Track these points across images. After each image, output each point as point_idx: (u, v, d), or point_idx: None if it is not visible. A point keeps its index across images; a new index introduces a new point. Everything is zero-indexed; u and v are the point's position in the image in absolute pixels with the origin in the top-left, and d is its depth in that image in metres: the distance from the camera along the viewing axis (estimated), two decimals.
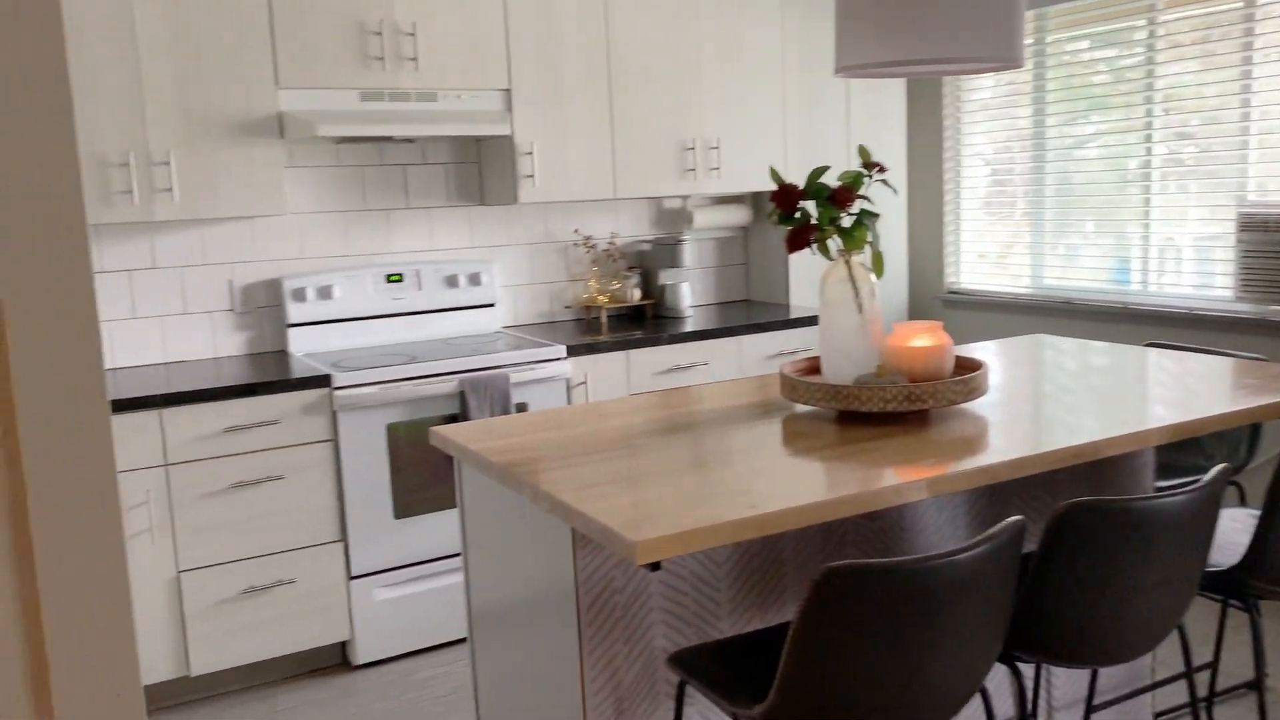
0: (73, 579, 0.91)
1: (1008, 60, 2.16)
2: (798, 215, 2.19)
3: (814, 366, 2.51)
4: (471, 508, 2.33)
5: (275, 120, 3.34)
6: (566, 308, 4.28)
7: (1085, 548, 1.74)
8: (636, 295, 4.25)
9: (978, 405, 2.31)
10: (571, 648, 1.93)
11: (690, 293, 4.29)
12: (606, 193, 3.93)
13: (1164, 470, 2.94)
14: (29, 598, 0.92)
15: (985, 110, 4.53)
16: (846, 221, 2.32)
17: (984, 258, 4.64)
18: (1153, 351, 2.83)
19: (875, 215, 2.30)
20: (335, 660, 3.41)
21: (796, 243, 2.18)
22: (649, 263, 4.35)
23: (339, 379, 3.22)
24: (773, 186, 4.27)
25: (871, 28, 2.16)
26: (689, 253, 4.34)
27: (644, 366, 3.77)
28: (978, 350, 2.99)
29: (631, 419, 2.34)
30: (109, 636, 0.93)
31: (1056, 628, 1.80)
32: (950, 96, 4.65)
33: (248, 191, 3.32)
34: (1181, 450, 3.02)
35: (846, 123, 4.46)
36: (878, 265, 2.35)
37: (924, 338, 2.30)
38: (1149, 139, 3.89)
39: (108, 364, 3.47)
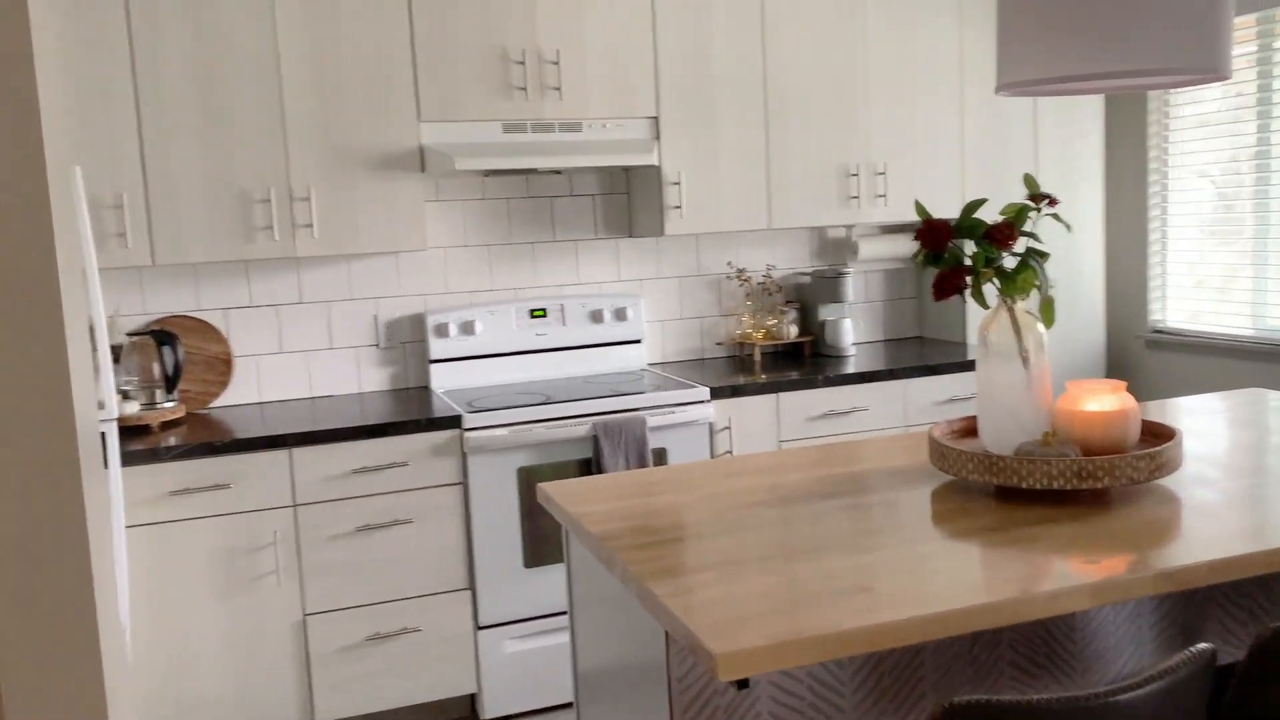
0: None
1: (1208, 71, 1.78)
2: (947, 256, 1.89)
3: (972, 427, 2.19)
4: (578, 567, 2.13)
5: (416, 154, 3.28)
6: (718, 344, 4.04)
7: None
8: (793, 332, 3.97)
9: (1174, 482, 1.93)
10: None
11: (853, 329, 3.98)
12: (760, 223, 3.68)
13: None
14: None
15: (1200, 126, 4.00)
16: (1010, 262, 1.99)
17: (1200, 286, 4.09)
18: None
19: (1044, 255, 1.97)
20: (463, 713, 3.28)
21: (945, 288, 1.87)
22: (808, 297, 4.06)
23: (469, 420, 3.10)
24: (949, 211, 3.91)
25: (1036, 39, 1.83)
26: (852, 286, 4.02)
27: (796, 411, 3.49)
28: (1180, 408, 2.56)
29: (757, 480, 2.08)
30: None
31: None
32: (1157, 110, 4.14)
33: (389, 227, 3.27)
34: None
35: (1034, 141, 4.03)
36: (1047, 313, 2.01)
37: (1102, 400, 1.94)
38: None
39: (255, 398, 3.50)
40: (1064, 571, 1.51)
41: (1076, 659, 1.90)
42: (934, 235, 1.87)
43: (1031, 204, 1.97)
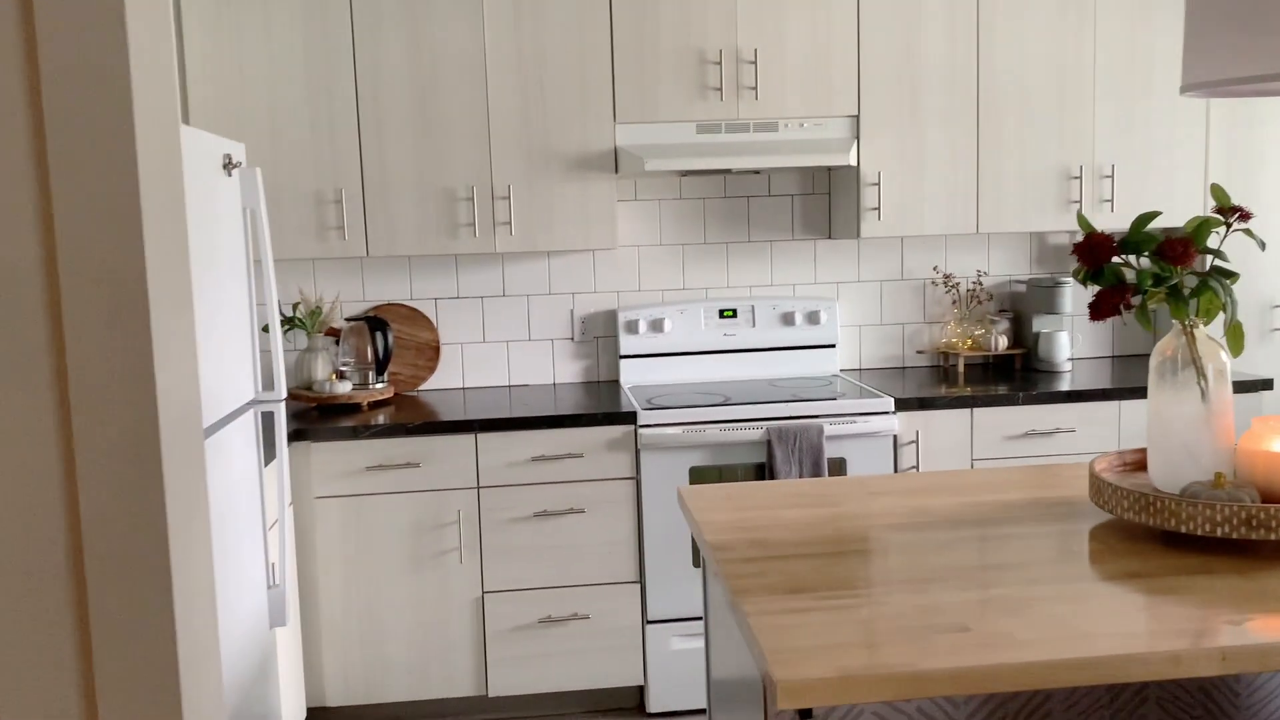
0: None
1: None
2: (1107, 273, 1.73)
3: (1145, 461, 2.00)
4: (714, 575, 2.13)
5: (611, 155, 3.35)
6: (919, 353, 3.88)
7: None
8: (1003, 343, 3.74)
9: None
10: None
11: (1070, 343, 3.71)
12: (967, 227, 3.50)
13: None
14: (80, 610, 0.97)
15: None
16: (1190, 282, 1.80)
17: None
18: None
19: (1231, 275, 1.76)
20: (632, 703, 3.35)
21: (1103, 309, 1.72)
22: (1023, 306, 3.82)
23: (644, 417, 3.15)
24: (1193, 213, 3.55)
25: (1227, 35, 1.64)
26: (1072, 296, 3.74)
27: (992, 428, 3.30)
28: None
29: (901, 502, 2.00)
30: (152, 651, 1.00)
31: None
32: None
33: (581, 225, 3.37)
34: None
35: None
36: (1235, 340, 1.80)
37: None
38: None
39: (459, 383, 3.71)
40: (1197, 629, 1.35)
41: (1239, 718, 1.70)
42: (1093, 250, 1.72)
43: (1219, 217, 1.76)
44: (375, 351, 3.42)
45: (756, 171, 3.71)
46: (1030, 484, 2.10)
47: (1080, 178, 3.52)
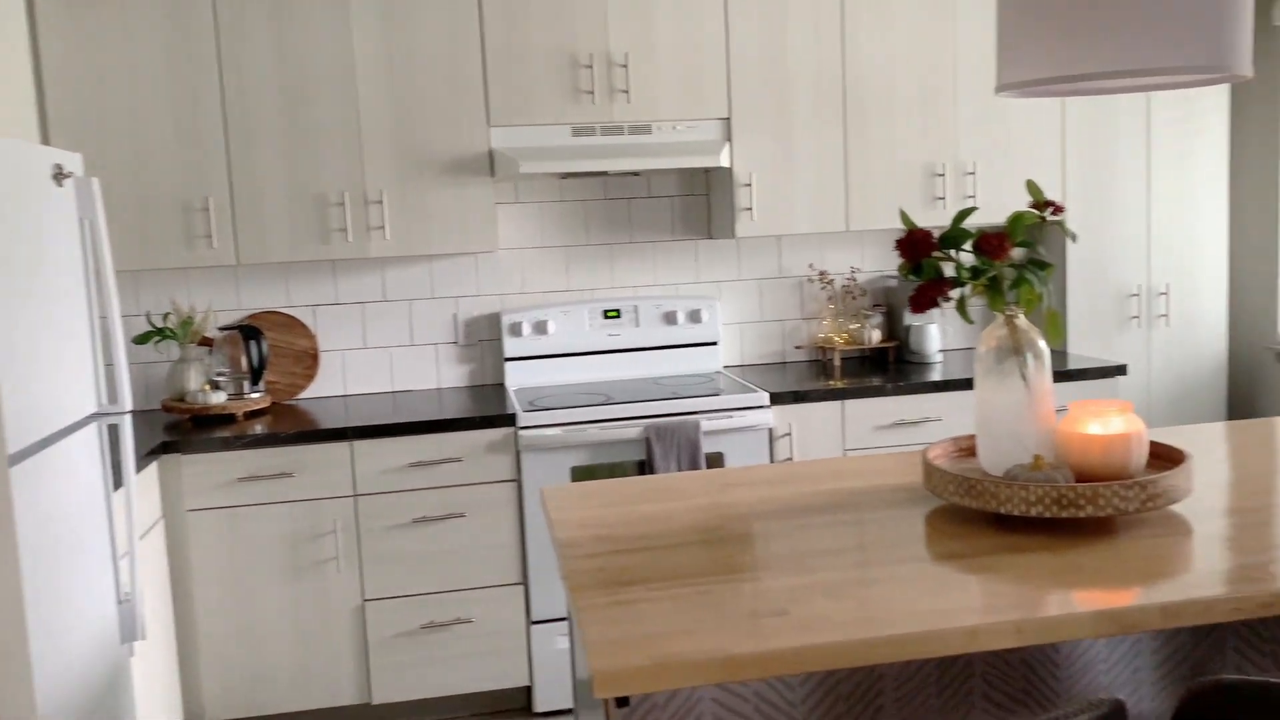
0: None
1: (1221, 70, 1.64)
2: (926, 267, 1.80)
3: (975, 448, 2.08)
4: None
5: (486, 158, 3.37)
6: (798, 348, 3.97)
7: None
8: (877, 337, 3.85)
9: (1194, 510, 1.78)
10: None
11: (940, 335, 3.83)
12: (837, 225, 3.59)
13: None
14: None
15: None
16: (1009, 275, 1.88)
17: None
18: None
19: (1046, 267, 1.85)
20: (519, 704, 3.36)
21: (922, 302, 1.79)
22: (895, 301, 3.93)
23: (524, 419, 3.17)
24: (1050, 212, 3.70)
25: (1036, 36, 1.73)
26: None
27: (863, 419, 3.39)
28: (1249, 430, 2.35)
29: (752, 493, 2.05)
30: None
31: None
32: None
33: (460, 229, 3.37)
34: None
35: (1146, 136, 3.77)
36: (1053, 329, 1.90)
37: (1106, 421, 1.81)
38: None
39: (340, 391, 3.68)
40: (1000, 606, 1.42)
41: (1059, 690, 1.79)
42: (913, 246, 1.79)
43: (1034, 212, 1.85)
44: (250, 360, 3.37)
45: (635, 173, 3.76)
46: (881, 471, 2.17)
47: (944, 175, 3.64)
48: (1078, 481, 1.81)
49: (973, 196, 3.66)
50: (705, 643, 1.35)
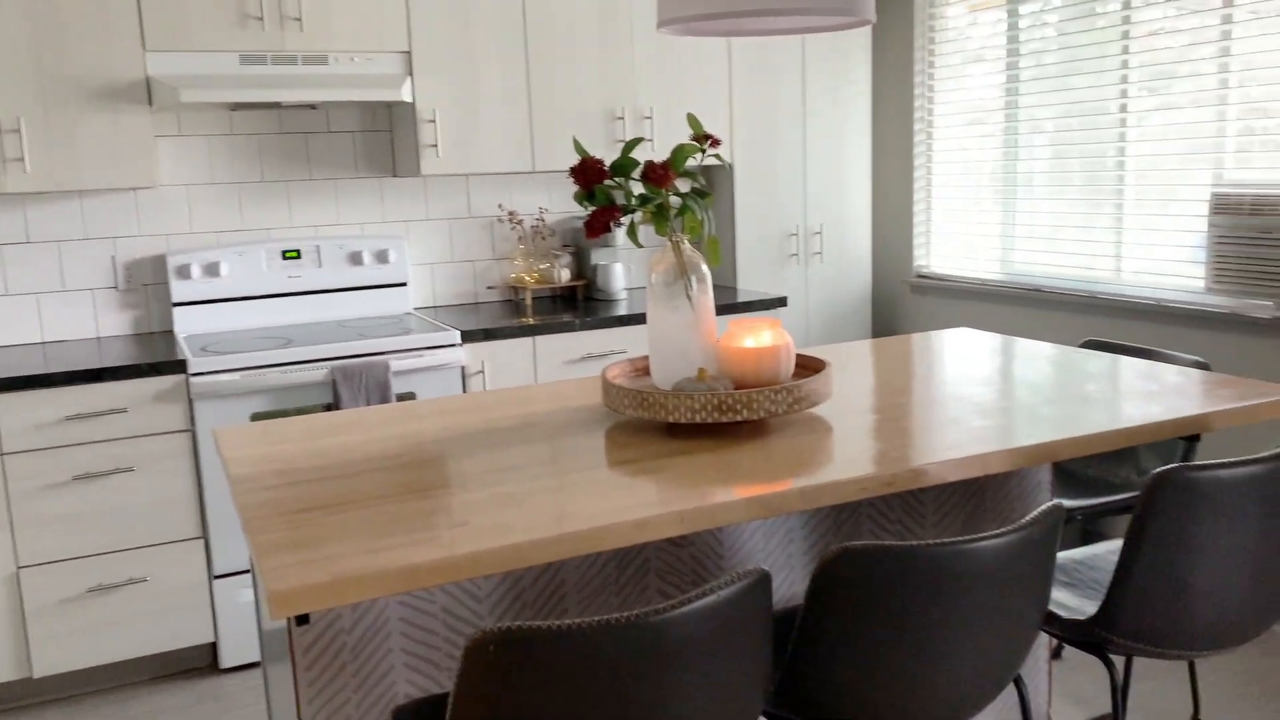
0: None
1: (847, 12, 1.82)
2: (598, 194, 1.89)
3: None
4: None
5: (142, 86, 3.10)
6: (490, 288, 4.01)
7: (861, 604, 1.43)
8: (566, 276, 3.96)
9: (835, 411, 2.00)
10: (289, 694, 1.67)
11: (624, 274, 3.99)
12: (524, 165, 3.64)
13: (1087, 487, 2.59)
14: None
15: (959, 80, 4.14)
16: (675, 202, 2.01)
17: (960, 235, 4.26)
18: (1079, 353, 2.47)
19: (706, 196, 1.99)
20: (204, 661, 3.21)
21: (595, 226, 1.88)
22: (582, 241, 4.05)
23: (195, 364, 2.99)
24: (722, 147, 3.94)
25: None
26: (623, 231, 4.03)
27: (554, 354, 3.49)
28: (880, 347, 2.65)
29: (438, 422, 2.06)
30: None
31: (825, 695, 1.49)
32: (922, 65, 4.26)
33: (113, 162, 3.10)
34: (1114, 462, 2.67)
35: (802, 85, 4.09)
36: (712, 253, 2.04)
37: (759, 336, 1.99)
38: (1124, 109, 3.48)
39: None
40: (666, 499, 1.54)
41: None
42: (585, 173, 1.87)
43: (695, 144, 1.98)
44: None
45: (313, 106, 3.61)
46: (564, 396, 2.26)
47: (624, 119, 3.78)
48: (736, 390, 1.98)
49: (650, 140, 3.83)
50: (384, 557, 1.37)
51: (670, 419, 1.86)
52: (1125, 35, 3.44)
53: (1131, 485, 2.59)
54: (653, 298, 2.03)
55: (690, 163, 4.09)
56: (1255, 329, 3.12)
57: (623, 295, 3.97)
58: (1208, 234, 3.18)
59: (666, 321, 2.02)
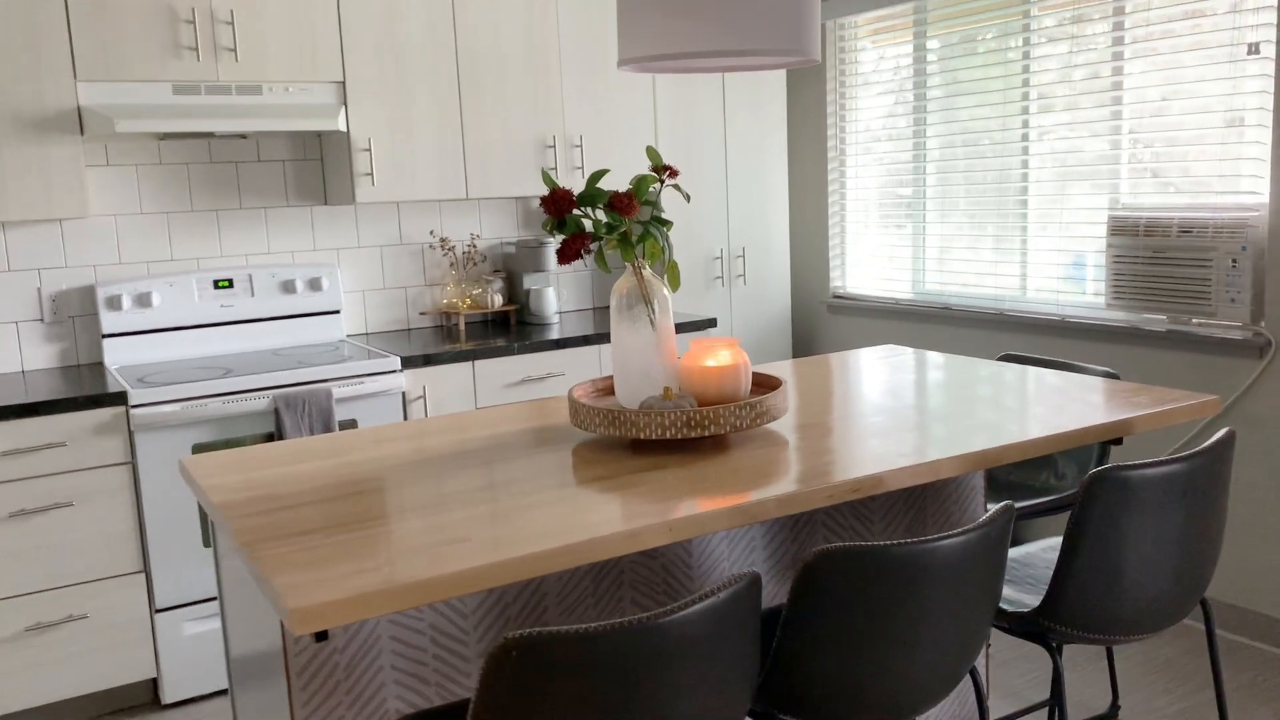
0: None
1: (796, 53, 1.96)
2: (569, 223, 1.98)
3: (613, 387, 2.31)
4: (224, 548, 2.10)
5: (73, 115, 3.07)
6: (423, 314, 4.04)
7: (840, 601, 1.54)
8: (499, 301, 4.02)
9: (790, 428, 2.12)
10: (284, 712, 1.70)
11: (556, 298, 4.07)
12: (458, 193, 3.70)
13: (1011, 491, 2.77)
14: None
15: (871, 109, 4.36)
16: (636, 230, 2.11)
17: (872, 257, 4.47)
18: (1003, 366, 2.66)
19: (666, 223, 2.10)
20: (145, 698, 3.15)
21: (567, 253, 1.97)
22: (514, 266, 4.12)
23: (135, 396, 2.96)
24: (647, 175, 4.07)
25: (650, 17, 1.95)
26: (554, 256, 4.11)
27: (493, 378, 3.55)
28: (817, 364, 2.80)
29: (406, 445, 2.11)
30: None
31: (808, 687, 1.60)
32: (835, 94, 4.47)
33: (42, 192, 3.05)
34: (1034, 469, 2.86)
35: (723, 116, 4.26)
36: (672, 277, 2.15)
37: (717, 356, 2.10)
38: (1025, 138, 3.73)
39: None
40: (650, 511, 1.63)
41: (693, 588, 2.06)
42: (556, 203, 1.96)
43: (654, 175, 2.09)
44: None
45: (243, 136, 3.61)
46: (522, 418, 2.33)
47: (554, 146, 3.88)
48: (701, 406, 2.08)
49: (580, 167, 3.93)
50: (397, 573, 1.42)
51: (642, 435, 1.95)
52: (1026, 70, 3.69)
53: (1050, 489, 2.78)
54: (616, 320, 2.12)
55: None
56: (1151, 340, 3.37)
57: (555, 319, 4.05)
58: (1106, 254, 3.43)
59: (630, 343, 2.11)
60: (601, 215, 2.06)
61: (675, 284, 2.14)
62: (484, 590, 1.82)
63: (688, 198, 2.09)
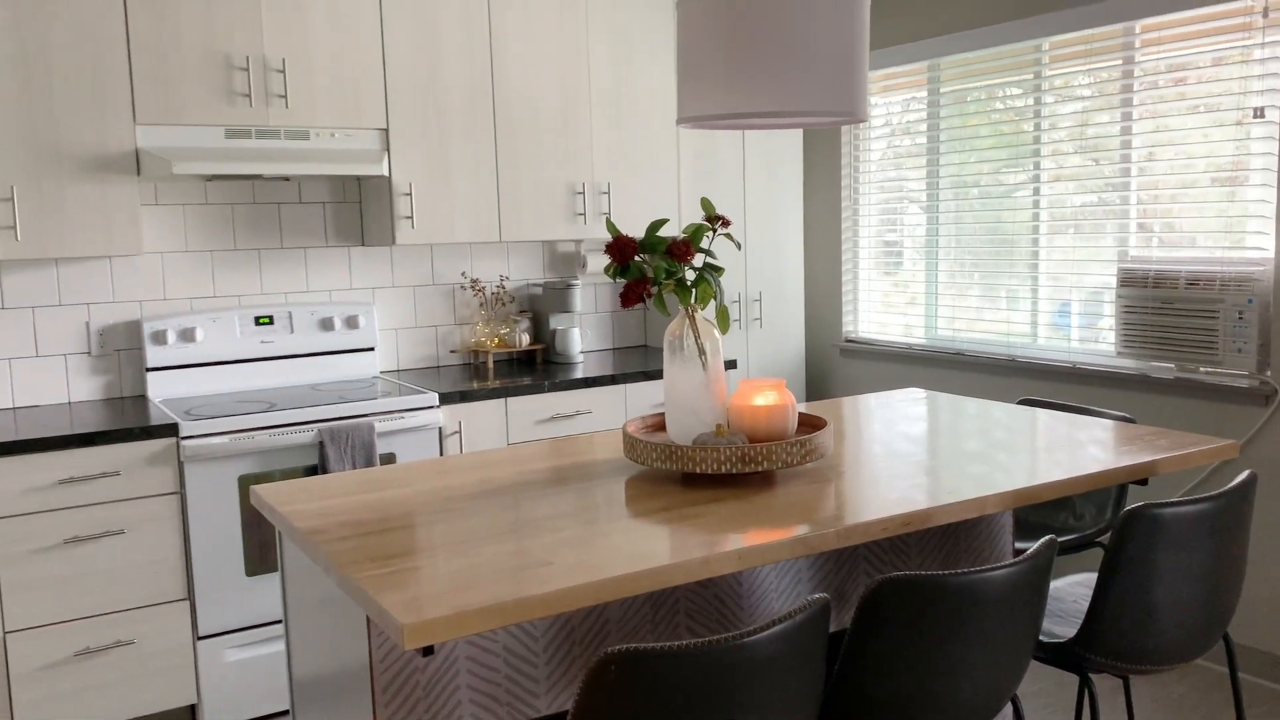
0: None
1: (849, 115, 2.10)
2: (632, 269, 2.10)
3: (663, 423, 2.42)
4: (291, 573, 2.19)
5: (132, 157, 3.20)
6: (452, 352, 4.16)
7: (900, 626, 1.65)
8: (525, 340, 4.14)
9: (830, 466, 2.23)
10: None
11: (581, 338, 4.20)
12: (491, 236, 3.83)
13: (1033, 530, 2.88)
14: None
15: (883, 159, 4.52)
16: (690, 276, 2.24)
17: (885, 302, 4.61)
18: (1027, 410, 2.78)
19: (719, 270, 2.23)
20: None
21: (630, 297, 2.09)
22: (540, 307, 4.25)
23: (186, 428, 3.06)
24: (670, 231, 4.21)
25: (710, 79, 2.09)
26: (580, 297, 4.25)
27: (524, 415, 3.66)
28: (847, 405, 2.92)
29: (469, 477, 2.22)
30: None
31: (867, 707, 1.71)
32: (849, 145, 4.64)
33: (102, 230, 3.17)
34: (1053, 509, 2.98)
35: (742, 167, 4.41)
36: (722, 320, 2.28)
37: (765, 396, 2.22)
38: (1037, 191, 3.89)
39: None
40: (717, 540, 1.74)
41: (744, 617, 2.17)
42: (621, 250, 2.08)
43: (708, 224, 2.22)
44: None
45: (287, 178, 3.74)
46: (567, 452, 2.44)
47: (584, 193, 4.02)
48: (752, 443, 2.20)
49: (606, 213, 4.07)
50: (493, 593, 1.53)
51: (697, 470, 2.07)
52: (1036, 127, 3.86)
53: (1069, 529, 2.90)
54: (669, 359, 2.24)
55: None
56: (1160, 387, 3.51)
57: (579, 358, 4.17)
58: (1116, 304, 3.58)
59: (681, 382, 2.23)
60: (659, 261, 2.18)
61: (725, 327, 2.26)
62: (559, 613, 1.93)
63: (739, 246, 2.22)
